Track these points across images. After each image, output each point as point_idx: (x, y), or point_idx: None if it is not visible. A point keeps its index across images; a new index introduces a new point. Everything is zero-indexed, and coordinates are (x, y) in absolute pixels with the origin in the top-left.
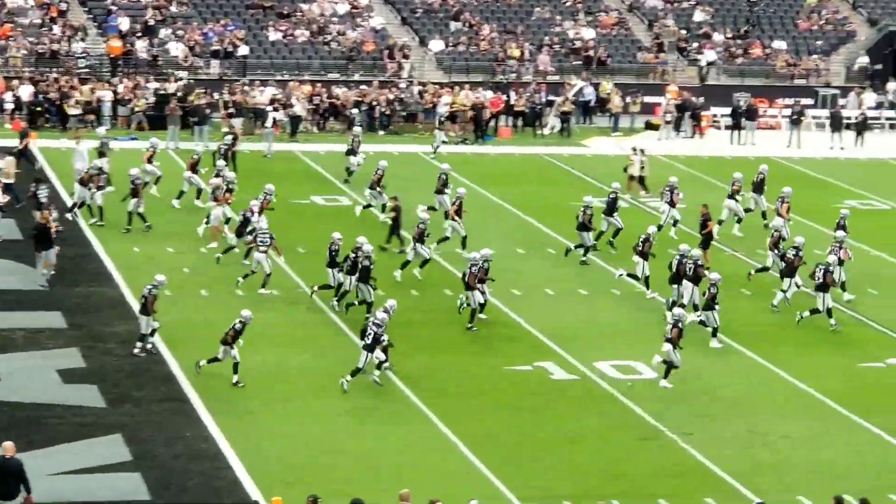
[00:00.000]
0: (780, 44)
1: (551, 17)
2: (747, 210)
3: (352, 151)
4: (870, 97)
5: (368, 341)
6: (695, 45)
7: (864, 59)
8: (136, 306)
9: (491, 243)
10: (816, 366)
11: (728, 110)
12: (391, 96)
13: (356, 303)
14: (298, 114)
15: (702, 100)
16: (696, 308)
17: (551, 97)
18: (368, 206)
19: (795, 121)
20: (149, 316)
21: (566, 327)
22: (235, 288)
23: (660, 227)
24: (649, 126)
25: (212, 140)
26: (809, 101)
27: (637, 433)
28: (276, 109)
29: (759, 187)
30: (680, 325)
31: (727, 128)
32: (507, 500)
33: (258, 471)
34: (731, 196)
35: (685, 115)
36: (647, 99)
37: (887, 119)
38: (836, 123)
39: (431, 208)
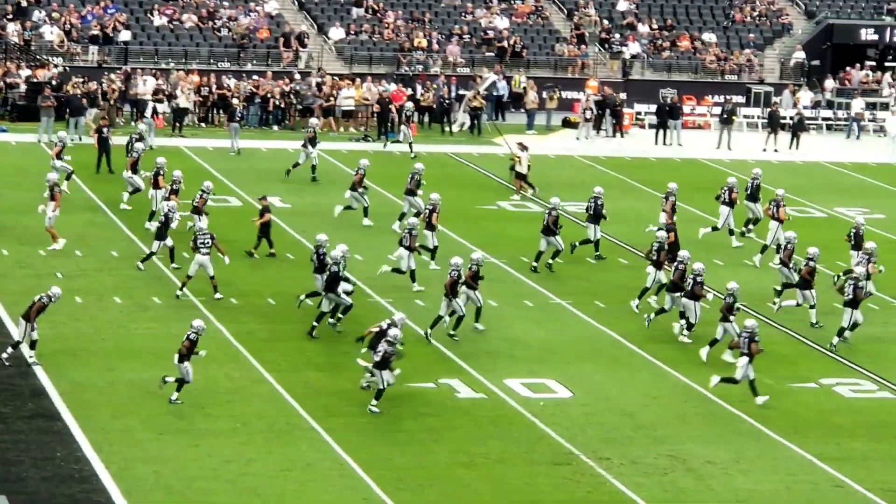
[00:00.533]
0: (709, 36)
1: (462, 4)
2: (751, 221)
3: (312, 142)
4: (805, 95)
5: (377, 359)
6: (618, 36)
7: (800, 55)
8: (2, 314)
9: (393, 250)
10: (743, 385)
11: (653, 108)
12: (286, 88)
13: (337, 319)
14: (184, 106)
15: (623, 96)
16: (690, 327)
17: (461, 91)
18: (349, 207)
19: (726, 120)
20: (28, 322)
21: (474, 342)
22: (152, 297)
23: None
24: (567, 124)
25: (85, 133)
26: (741, 99)
27: (549, 458)
28: (159, 101)
29: (753, 196)
30: (757, 337)
31: (651, 126)
32: None
33: (134, 496)
34: (730, 204)
35: (606, 112)
36: (566, 94)
37: (824, 119)
38: (774, 124)
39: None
